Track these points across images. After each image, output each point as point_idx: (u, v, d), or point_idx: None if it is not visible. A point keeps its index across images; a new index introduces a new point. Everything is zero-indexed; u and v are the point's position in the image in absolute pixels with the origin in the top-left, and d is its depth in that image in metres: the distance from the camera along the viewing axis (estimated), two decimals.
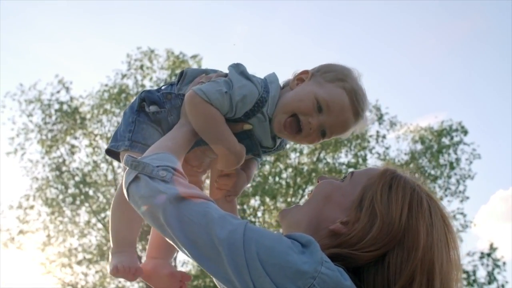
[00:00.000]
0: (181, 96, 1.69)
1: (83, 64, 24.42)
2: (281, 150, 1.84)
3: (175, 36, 26.78)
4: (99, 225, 17.34)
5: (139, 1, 24.17)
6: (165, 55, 17.85)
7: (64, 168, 17.43)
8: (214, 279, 1.32)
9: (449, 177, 17.74)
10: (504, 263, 16.93)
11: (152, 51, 17.73)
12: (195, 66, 17.61)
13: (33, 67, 24.84)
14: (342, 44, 24.26)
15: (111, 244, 1.79)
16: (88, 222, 17.51)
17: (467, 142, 17.96)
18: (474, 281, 16.78)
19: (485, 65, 26.17)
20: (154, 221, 1.37)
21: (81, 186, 17.19)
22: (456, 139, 18.02)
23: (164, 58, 17.85)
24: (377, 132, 17.66)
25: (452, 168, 17.71)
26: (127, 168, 1.45)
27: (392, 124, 18.00)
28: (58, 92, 17.45)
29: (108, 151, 1.76)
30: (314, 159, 17.07)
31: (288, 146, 1.82)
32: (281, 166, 16.74)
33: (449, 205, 17.54)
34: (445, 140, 18.04)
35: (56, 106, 17.36)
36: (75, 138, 17.63)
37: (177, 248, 1.37)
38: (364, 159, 17.11)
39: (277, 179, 16.72)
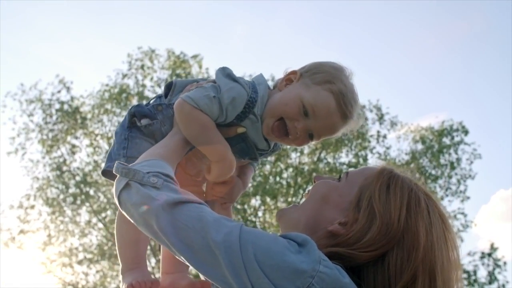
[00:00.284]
0: (172, 105, 1.66)
1: (83, 64, 24.46)
2: (276, 151, 1.83)
3: (175, 36, 26.82)
4: (100, 225, 17.36)
5: (139, 1, 24.18)
6: (165, 55, 17.85)
7: (64, 168, 17.43)
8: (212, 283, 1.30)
9: (449, 177, 17.73)
10: (504, 263, 16.92)
11: (153, 51, 17.72)
12: (195, 66, 17.66)
13: (34, 67, 24.85)
14: (342, 44, 24.28)
15: (120, 263, 1.74)
16: (88, 222, 17.53)
17: (467, 142, 17.96)
18: (475, 281, 16.76)
19: (486, 65, 26.17)
20: (148, 229, 1.36)
21: (82, 185, 17.19)
22: (456, 139, 18.01)
23: (165, 58, 17.85)
24: (378, 132, 17.66)
25: (452, 168, 17.69)
26: (118, 175, 1.43)
27: (393, 124, 17.99)
28: (59, 92, 17.45)
29: (104, 172, 1.71)
30: (315, 159, 17.06)
31: (288, 146, 1.81)
32: (282, 166, 16.73)
33: (450, 205, 17.55)
34: (446, 140, 18.02)
35: (57, 106, 17.37)
36: (76, 138, 17.64)
37: (173, 254, 1.35)
38: (365, 159, 17.10)
39: (277, 179, 16.71)
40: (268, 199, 16.51)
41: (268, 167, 16.61)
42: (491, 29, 24.91)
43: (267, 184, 16.16)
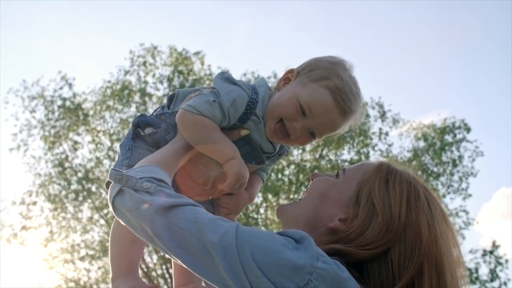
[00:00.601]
0: (175, 114, 1.65)
1: (86, 61, 24.40)
2: (284, 155, 1.80)
3: (178, 33, 26.78)
4: (102, 221, 17.37)
5: None
6: (168, 51, 17.85)
7: (67, 164, 17.44)
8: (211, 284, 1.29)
9: (452, 174, 17.71)
10: (506, 261, 16.92)
11: (155, 48, 17.71)
12: (198, 63, 17.65)
13: (36, 64, 24.90)
14: (345, 41, 24.21)
15: (111, 270, 1.72)
16: (90, 218, 17.54)
17: (470, 139, 17.93)
18: (477, 278, 16.76)
19: (488, 63, 26.12)
20: (143, 234, 1.35)
21: (84, 182, 17.19)
22: (459, 136, 17.98)
23: (167, 55, 17.84)
24: (380, 129, 17.64)
25: (455, 165, 17.67)
26: (112, 182, 1.43)
27: (395, 121, 17.97)
28: (61, 88, 17.45)
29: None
30: (317, 156, 17.05)
31: (293, 146, 1.79)
32: (284, 163, 16.72)
33: (452, 202, 17.54)
34: (448, 138, 18.00)
35: (59, 102, 17.36)
36: (78, 134, 17.63)
37: (171, 258, 1.34)
38: (367, 156, 17.08)
39: (279, 175, 16.71)
40: (270, 196, 16.51)
41: None
42: (494, 28, 24.86)
43: (269, 181, 16.15)
